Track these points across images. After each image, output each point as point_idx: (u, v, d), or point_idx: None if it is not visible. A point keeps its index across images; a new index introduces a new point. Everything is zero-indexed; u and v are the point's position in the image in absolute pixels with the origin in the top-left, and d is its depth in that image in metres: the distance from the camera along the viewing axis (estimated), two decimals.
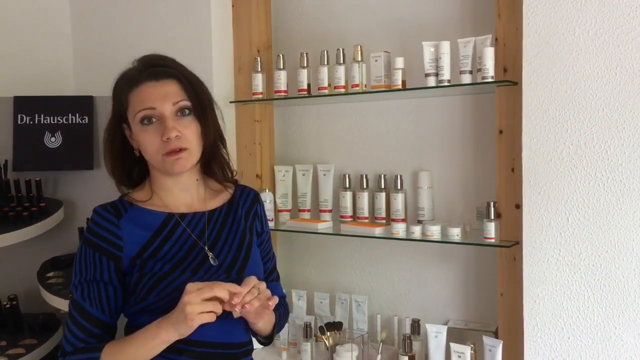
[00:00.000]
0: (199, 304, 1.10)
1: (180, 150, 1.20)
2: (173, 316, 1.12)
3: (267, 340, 1.40)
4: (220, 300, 1.12)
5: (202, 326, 1.12)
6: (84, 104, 2.42)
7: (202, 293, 1.10)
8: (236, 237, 1.32)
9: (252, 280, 1.17)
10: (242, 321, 1.26)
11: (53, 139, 2.38)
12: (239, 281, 1.18)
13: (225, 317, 1.17)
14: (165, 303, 1.18)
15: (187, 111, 1.23)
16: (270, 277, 1.41)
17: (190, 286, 1.12)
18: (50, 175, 2.46)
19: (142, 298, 1.20)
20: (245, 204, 1.38)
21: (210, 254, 1.26)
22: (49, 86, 2.64)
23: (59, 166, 2.40)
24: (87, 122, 2.40)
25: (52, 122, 2.38)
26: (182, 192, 1.29)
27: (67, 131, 2.39)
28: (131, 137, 1.26)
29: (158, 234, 1.25)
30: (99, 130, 2.42)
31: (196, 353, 1.20)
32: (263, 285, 1.19)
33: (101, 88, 2.69)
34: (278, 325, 1.40)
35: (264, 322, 1.29)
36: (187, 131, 1.21)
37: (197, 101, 1.24)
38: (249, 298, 1.14)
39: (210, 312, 1.11)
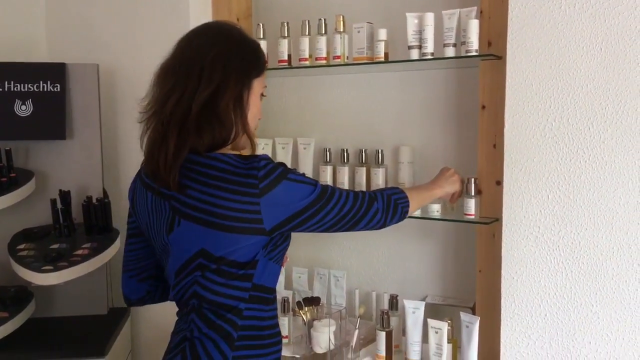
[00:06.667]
0: None
1: None
2: (447, 184, 1.74)
3: None
4: None
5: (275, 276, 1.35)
6: (56, 71, 2.33)
7: None
8: None
9: None
10: None
11: (24, 107, 2.30)
12: None
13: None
14: None
15: None
16: None
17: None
18: (20, 144, 2.38)
19: None
20: None
21: None
22: (19, 52, 2.54)
23: (29, 135, 2.32)
24: (59, 90, 2.32)
25: (22, 89, 2.30)
26: None
27: (38, 99, 2.30)
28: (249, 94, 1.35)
29: None
30: (72, 99, 2.35)
31: (273, 299, 1.37)
32: None
33: (74, 55, 2.62)
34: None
35: None
36: None
37: None
38: None
39: None
